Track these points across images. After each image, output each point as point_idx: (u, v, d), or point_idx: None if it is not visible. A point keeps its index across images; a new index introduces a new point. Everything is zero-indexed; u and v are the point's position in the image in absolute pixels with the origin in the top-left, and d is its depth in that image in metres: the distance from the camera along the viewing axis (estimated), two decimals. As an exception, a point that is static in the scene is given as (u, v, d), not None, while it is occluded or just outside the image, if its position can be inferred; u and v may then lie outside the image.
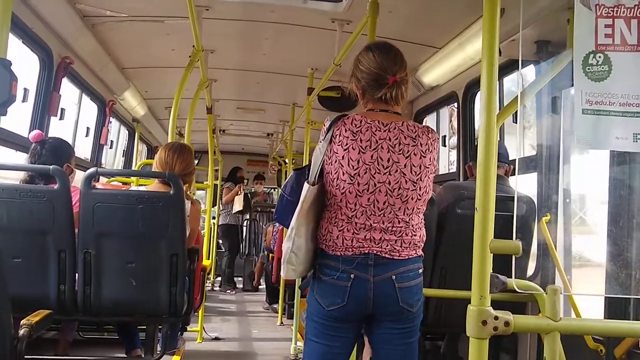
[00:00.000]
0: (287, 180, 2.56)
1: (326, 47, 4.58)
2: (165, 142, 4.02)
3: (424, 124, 5.86)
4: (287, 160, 8.56)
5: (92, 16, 4.44)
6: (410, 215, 2.36)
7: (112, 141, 6.85)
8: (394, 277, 2.32)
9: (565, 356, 2.00)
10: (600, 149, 1.98)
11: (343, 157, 2.33)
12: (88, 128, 5.94)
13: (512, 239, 1.71)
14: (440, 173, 5.57)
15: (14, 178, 3.53)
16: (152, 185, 3.62)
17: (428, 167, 2.37)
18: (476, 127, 4.79)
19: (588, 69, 1.88)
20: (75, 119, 5.53)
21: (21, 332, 1.93)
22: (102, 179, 5.15)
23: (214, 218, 9.25)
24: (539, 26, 3.05)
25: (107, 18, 4.47)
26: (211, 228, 7.83)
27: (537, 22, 2.96)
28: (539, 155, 3.66)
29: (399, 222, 2.34)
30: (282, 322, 7.19)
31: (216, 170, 8.96)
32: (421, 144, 2.35)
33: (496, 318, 1.62)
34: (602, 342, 2.90)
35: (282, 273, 2.48)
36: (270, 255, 7.73)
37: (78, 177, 3.75)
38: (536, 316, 1.83)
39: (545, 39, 3.26)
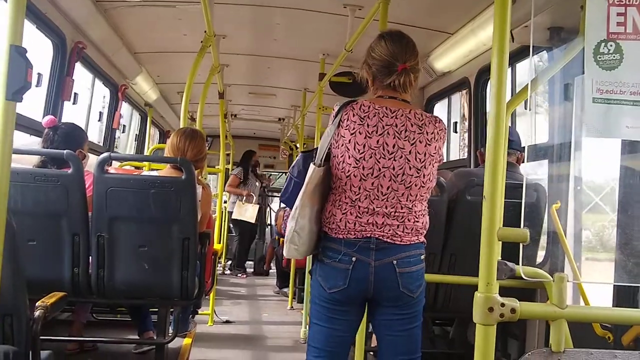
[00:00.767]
0: (294, 162, 2.59)
1: (338, 32, 4.58)
2: (177, 126, 4.04)
3: (435, 110, 5.94)
4: (298, 145, 8.58)
5: (104, 1, 4.46)
6: (413, 202, 2.39)
7: (124, 125, 6.88)
8: (395, 262, 2.35)
9: (573, 343, 2.01)
10: (611, 137, 1.97)
11: (349, 141, 2.35)
12: (101, 112, 5.98)
13: (521, 226, 1.71)
14: (451, 159, 5.56)
15: (25, 162, 3.56)
16: (164, 170, 3.65)
17: (433, 156, 2.39)
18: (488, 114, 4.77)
19: (599, 57, 1.86)
20: (88, 103, 5.57)
21: (36, 313, 1.97)
22: (115, 163, 5.19)
23: (225, 202, 9.30)
24: (552, 12, 3.03)
25: (119, 3, 4.49)
26: (222, 212, 7.87)
27: (551, 9, 2.94)
28: (550, 143, 3.64)
29: (401, 208, 2.37)
30: (292, 306, 7.23)
31: (227, 155, 8.99)
32: (427, 132, 2.37)
33: (503, 305, 1.63)
34: (610, 329, 2.90)
35: (284, 252, 2.51)
36: (281, 239, 7.76)
37: (91, 162, 3.79)
38: (543, 303, 1.84)
39: (558, 25, 3.23)
